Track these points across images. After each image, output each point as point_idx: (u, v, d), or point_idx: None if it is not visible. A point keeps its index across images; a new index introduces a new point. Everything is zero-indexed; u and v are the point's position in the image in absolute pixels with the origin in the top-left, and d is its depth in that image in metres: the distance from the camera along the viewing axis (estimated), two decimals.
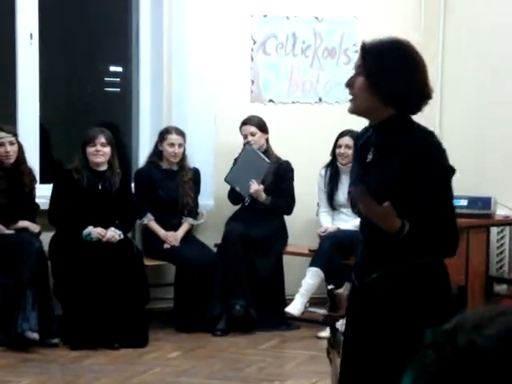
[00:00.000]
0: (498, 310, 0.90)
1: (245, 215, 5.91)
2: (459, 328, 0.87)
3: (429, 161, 2.47)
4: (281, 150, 5.98)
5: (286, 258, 5.96)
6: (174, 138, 5.82)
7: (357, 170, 2.63)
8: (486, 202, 5.80)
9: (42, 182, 5.83)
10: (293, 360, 5.11)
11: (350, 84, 2.54)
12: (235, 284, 5.64)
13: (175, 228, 5.87)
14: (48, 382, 4.65)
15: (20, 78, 5.94)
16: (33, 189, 5.58)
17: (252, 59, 6.33)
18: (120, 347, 5.21)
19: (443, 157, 2.50)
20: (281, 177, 5.93)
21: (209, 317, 5.60)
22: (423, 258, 2.48)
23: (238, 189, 5.88)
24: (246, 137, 5.91)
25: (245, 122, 5.92)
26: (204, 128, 6.07)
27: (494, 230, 6.04)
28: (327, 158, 5.95)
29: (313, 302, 5.80)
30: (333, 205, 5.92)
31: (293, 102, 6.42)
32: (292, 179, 5.94)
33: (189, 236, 5.94)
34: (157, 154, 5.90)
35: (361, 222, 2.64)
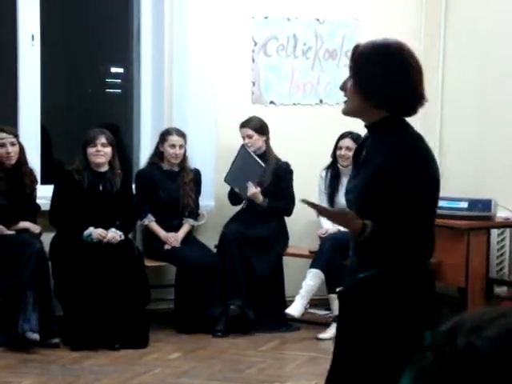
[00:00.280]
0: (497, 312, 0.90)
1: (245, 216, 5.92)
2: (458, 330, 0.87)
3: (404, 165, 2.45)
4: (281, 152, 5.98)
5: (286, 260, 5.96)
6: (174, 139, 5.83)
7: (352, 170, 2.68)
8: (486, 204, 5.80)
9: (43, 182, 5.84)
10: (293, 361, 5.12)
11: (343, 87, 2.56)
12: (232, 284, 5.65)
13: (176, 229, 5.87)
14: (48, 382, 4.66)
15: (21, 79, 5.95)
16: (34, 190, 5.59)
17: (253, 61, 6.34)
18: (120, 348, 5.22)
19: (420, 160, 2.48)
20: (279, 178, 5.93)
21: (209, 318, 5.61)
22: (404, 262, 2.48)
23: (236, 190, 5.89)
24: (244, 139, 5.92)
25: (242, 125, 5.93)
26: (205, 129, 6.07)
27: (494, 232, 6.04)
28: (328, 160, 5.96)
29: (313, 303, 5.81)
30: (333, 206, 5.92)
31: (294, 104, 6.43)
32: (291, 180, 5.94)
33: (189, 237, 5.95)
34: (158, 155, 5.91)
35: None
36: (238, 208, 6.03)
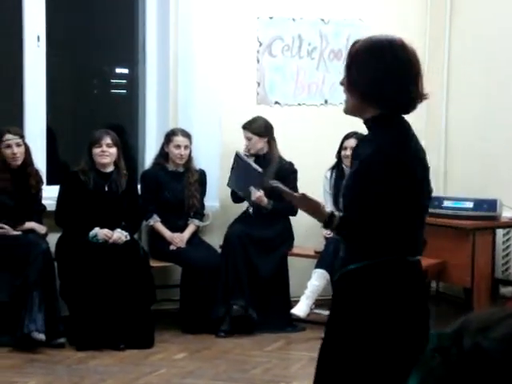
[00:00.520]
0: (504, 313, 0.90)
1: (249, 217, 5.92)
2: (464, 331, 0.87)
3: (382, 161, 2.45)
4: (286, 152, 5.98)
5: (291, 260, 5.96)
6: (180, 139, 5.84)
7: (351, 167, 2.70)
8: (491, 204, 5.79)
9: (49, 183, 5.85)
10: (298, 362, 5.12)
11: (343, 81, 2.58)
12: (235, 284, 5.65)
13: (181, 229, 5.88)
14: (54, 382, 4.66)
15: (27, 80, 5.96)
16: (39, 190, 5.60)
17: (258, 61, 6.34)
18: (126, 348, 5.22)
19: (401, 158, 2.45)
20: (283, 178, 5.91)
21: (214, 318, 5.61)
22: (384, 257, 2.47)
23: (241, 194, 5.89)
24: (245, 140, 5.93)
25: (243, 127, 5.93)
26: (210, 130, 6.08)
27: (499, 232, 6.04)
28: (333, 160, 5.95)
29: (318, 303, 5.80)
30: (338, 207, 5.91)
31: (299, 104, 6.43)
32: (295, 180, 5.93)
33: (195, 237, 5.95)
34: (163, 155, 5.92)
35: None
36: (242, 208, 6.03)
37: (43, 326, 5.12)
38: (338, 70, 6.45)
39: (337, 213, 2.54)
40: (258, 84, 6.36)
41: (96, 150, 5.52)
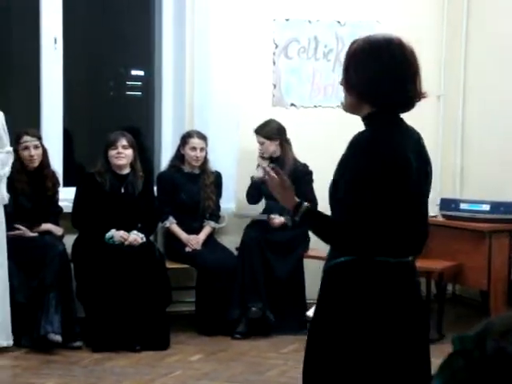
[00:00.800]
0: None
1: (265, 220, 5.92)
2: (487, 334, 0.87)
3: (357, 159, 2.44)
4: (302, 154, 5.97)
5: (307, 262, 5.95)
6: (196, 141, 5.85)
7: None
8: (508, 207, 5.76)
9: (65, 185, 5.87)
10: None
11: (342, 83, 2.59)
12: (252, 287, 5.65)
13: (197, 231, 5.89)
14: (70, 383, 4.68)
15: (44, 82, 5.99)
16: (56, 192, 5.62)
17: (274, 63, 6.34)
18: (142, 350, 5.23)
19: (378, 158, 2.41)
20: (298, 180, 5.91)
21: (230, 320, 5.62)
22: (363, 255, 2.44)
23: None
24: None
25: (255, 131, 5.94)
26: (225, 131, 6.08)
27: None
28: None
29: None
30: None
31: (315, 106, 6.43)
32: (311, 181, 5.91)
33: (210, 239, 5.96)
34: (179, 157, 5.93)
35: None
36: (258, 210, 6.03)
37: (59, 327, 5.14)
38: None
39: (305, 204, 2.54)
40: (274, 86, 6.36)
41: (112, 152, 5.54)
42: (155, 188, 5.89)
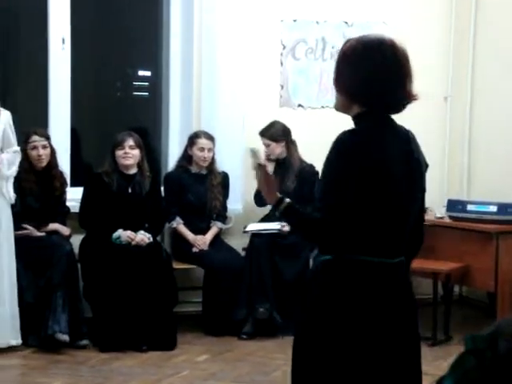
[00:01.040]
0: None
1: (273, 220, 5.91)
2: (499, 334, 0.87)
3: (333, 158, 2.45)
4: (309, 155, 5.97)
5: None
6: (203, 142, 5.85)
7: None
8: None
9: (73, 185, 5.88)
10: None
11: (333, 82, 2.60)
12: (259, 288, 5.65)
13: (204, 232, 5.89)
14: (78, 383, 4.68)
15: (52, 83, 6.00)
16: (64, 192, 5.63)
17: (281, 64, 6.35)
18: (148, 350, 5.24)
19: (353, 157, 2.40)
20: (304, 180, 5.92)
21: (236, 320, 5.62)
22: (345, 254, 2.43)
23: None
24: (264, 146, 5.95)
25: (260, 133, 5.94)
26: (233, 132, 6.08)
27: None
28: None
29: None
30: None
31: (322, 107, 6.42)
32: (317, 182, 5.92)
33: (217, 240, 5.96)
34: (186, 158, 5.94)
35: None
36: (265, 211, 6.03)
37: (67, 327, 5.15)
38: None
39: (287, 199, 2.52)
40: (282, 87, 6.36)
41: (119, 152, 5.55)
42: (162, 188, 5.90)
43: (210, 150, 5.88)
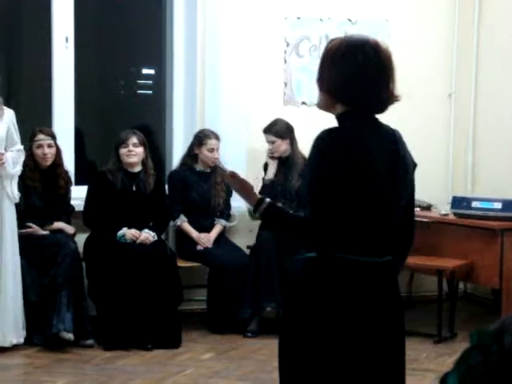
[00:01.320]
0: None
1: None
2: (505, 329, 0.87)
3: (313, 156, 2.45)
4: None
5: None
6: (213, 143, 5.85)
7: None
8: None
9: (77, 183, 5.88)
10: None
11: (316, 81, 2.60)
12: (266, 287, 5.65)
13: (208, 230, 5.89)
14: (82, 382, 4.69)
15: (56, 81, 6.01)
16: (68, 191, 5.64)
17: (285, 61, 6.34)
18: (153, 348, 5.24)
19: (335, 155, 2.40)
20: None
21: (241, 318, 5.62)
22: (328, 252, 2.43)
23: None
24: (268, 144, 5.93)
25: (264, 131, 5.93)
26: (236, 130, 6.08)
27: None
28: None
29: None
30: None
31: None
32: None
33: (221, 238, 5.96)
34: (191, 156, 5.93)
35: None
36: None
37: (71, 325, 5.15)
38: None
39: (267, 199, 2.53)
40: (285, 84, 6.36)
41: (123, 150, 5.55)
42: (166, 186, 5.90)
43: (218, 149, 5.89)
